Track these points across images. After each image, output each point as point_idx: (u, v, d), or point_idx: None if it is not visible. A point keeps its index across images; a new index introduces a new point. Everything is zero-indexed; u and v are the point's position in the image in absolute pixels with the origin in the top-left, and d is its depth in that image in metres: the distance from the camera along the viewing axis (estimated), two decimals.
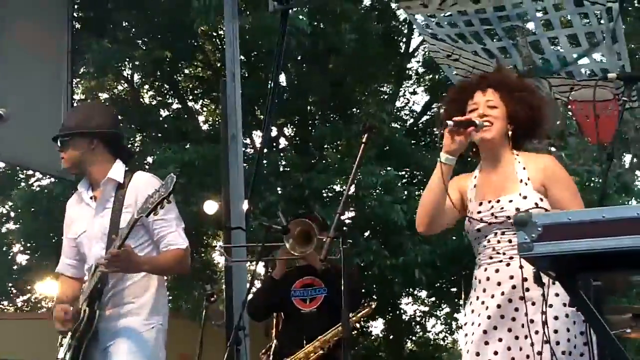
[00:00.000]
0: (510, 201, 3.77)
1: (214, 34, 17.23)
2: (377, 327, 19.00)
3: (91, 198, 4.60)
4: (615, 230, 2.73)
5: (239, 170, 8.75)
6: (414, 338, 20.27)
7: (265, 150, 14.77)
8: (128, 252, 4.24)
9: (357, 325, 14.30)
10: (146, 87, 18.79)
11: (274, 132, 17.32)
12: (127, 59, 17.13)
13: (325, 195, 15.76)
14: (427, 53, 15.75)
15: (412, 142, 16.39)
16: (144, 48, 17.07)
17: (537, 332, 3.57)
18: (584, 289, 2.92)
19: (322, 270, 6.12)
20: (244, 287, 7.96)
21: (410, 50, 18.25)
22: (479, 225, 3.83)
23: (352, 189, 15.29)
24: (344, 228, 4.07)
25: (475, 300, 3.85)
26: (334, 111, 17.56)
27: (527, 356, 3.60)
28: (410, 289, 18.03)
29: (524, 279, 3.65)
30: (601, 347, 3.60)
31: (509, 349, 3.68)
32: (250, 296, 6.48)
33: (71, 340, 4.42)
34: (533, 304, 3.64)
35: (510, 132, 3.91)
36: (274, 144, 17.41)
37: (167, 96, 18.46)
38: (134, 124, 17.35)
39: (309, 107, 17.54)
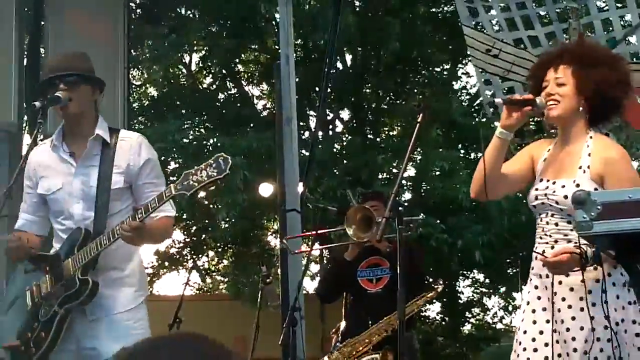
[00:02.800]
0: (563, 186, 3.72)
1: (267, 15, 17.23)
2: (433, 310, 18.93)
3: (71, 155, 4.33)
4: None
5: (294, 153, 8.72)
6: (472, 321, 20.16)
7: (320, 133, 14.77)
8: (145, 225, 4.06)
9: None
10: (204, 72, 18.82)
11: (330, 116, 17.28)
12: (187, 46, 17.23)
13: (384, 177, 15.72)
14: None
15: (473, 122, 16.17)
16: (203, 35, 17.11)
17: (574, 319, 3.59)
18: None
19: (387, 250, 6.12)
20: (299, 269, 7.94)
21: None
22: (534, 202, 3.83)
23: (413, 171, 15.44)
24: (400, 208, 4.01)
25: (529, 279, 3.87)
26: (390, 93, 17.46)
27: (565, 341, 3.61)
28: (467, 271, 17.95)
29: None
30: None
31: (555, 331, 3.67)
32: (319, 278, 6.50)
33: (58, 308, 4.17)
34: (571, 289, 3.63)
35: (581, 109, 3.80)
36: (330, 127, 17.38)
37: (225, 81, 18.48)
38: (193, 109, 17.44)
39: (364, 90, 17.45)
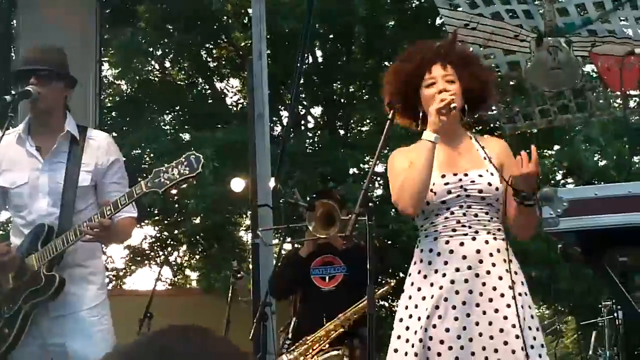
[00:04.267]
0: (480, 175, 3.72)
1: (242, 11, 17.24)
2: None
3: (37, 149, 4.26)
4: None
5: (266, 148, 8.74)
6: None
7: (291, 130, 14.78)
8: (112, 223, 4.02)
9: (384, 304, 14.27)
10: (175, 69, 18.80)
11: (302, 112, 17.32)
12: (156, 45, 17.25)
13: (354, 172, 15.77)
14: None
15: None
16: (170, 32, 17.11)
17: (508, 306, 3.55)
18: (610, 265, 2.90)
19: (342, 248, 6.14)
20: (271, 264, 7.97)
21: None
22: (445, 196, 3.75)
23: (381, 166, 15.45)
24: (370, 204, 4.01)
25: (434, 273, 3.74)
26: (362, 90, 17.52)
27: (501, 330, 3.55)
28: None
29: (490, 254, 3.64)
30: (628, 325, 3.58)
31: (477, 324, 3.62)
32: (272, 274, 6.50)
33: (22, 304, 4.13)
34: (500, 278, 3.61)
35: (466, 107, 3.83)
36: (302, 123, 17.42)
37: (195, 78, 18.47)
38: (164, 106, 17.43)
39: (335, 86, 17.50)
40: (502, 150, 3.83)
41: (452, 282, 3.68)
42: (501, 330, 3.56)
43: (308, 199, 6.44)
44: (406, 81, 3.89)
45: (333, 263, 6.25)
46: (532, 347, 3.57)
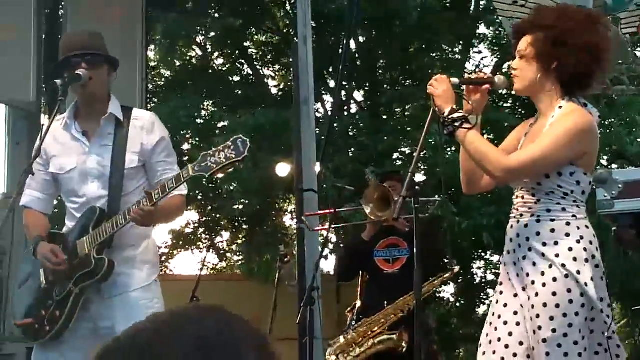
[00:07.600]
0: None
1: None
2: (448, 292, 18.92)
3: (84, 134, 4.33)
4: None
5: (311, 133, 8.73)
6: (487, 302, 20.11)
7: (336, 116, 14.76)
8: (159, 206, 4.06)
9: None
10: (216, 54, 18.83)
11: (344, 97, 17.30)
12: (198, 28, 17.28)
13: (395, 157, 15.72)
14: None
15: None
16: (214, 16, 17.13)
17: (537, 295, 3.50)
18: None
19: (406, 231, 6.11)
20: (316, 249, 7.96)
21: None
22: None
23: (426, 152, 15.36)
24: (417, 188, 3.99)
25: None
26: (403, 75, 17.43)
27: (531, 318, 3.53)
28: (482, 253, 17.88)
29: (527, 238, 3.60)
30: None
31: (521, 306, 3.61)
32: (337, 257, 6.50)
33: (73, 286, 4.20)
34: (534, 264, 3.56)
35: (538, 76, 3.64)
36: (345, 108, 17.40)
37: (238, 63, 18.49)
38: (205, 91, 17.46)
39: (378, 72, 17.42)
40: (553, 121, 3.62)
41: (505, 264, 3.68)
42: (531, 319, 3.54)
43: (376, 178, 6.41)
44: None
45: (398, 245, 6.24)
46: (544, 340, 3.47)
